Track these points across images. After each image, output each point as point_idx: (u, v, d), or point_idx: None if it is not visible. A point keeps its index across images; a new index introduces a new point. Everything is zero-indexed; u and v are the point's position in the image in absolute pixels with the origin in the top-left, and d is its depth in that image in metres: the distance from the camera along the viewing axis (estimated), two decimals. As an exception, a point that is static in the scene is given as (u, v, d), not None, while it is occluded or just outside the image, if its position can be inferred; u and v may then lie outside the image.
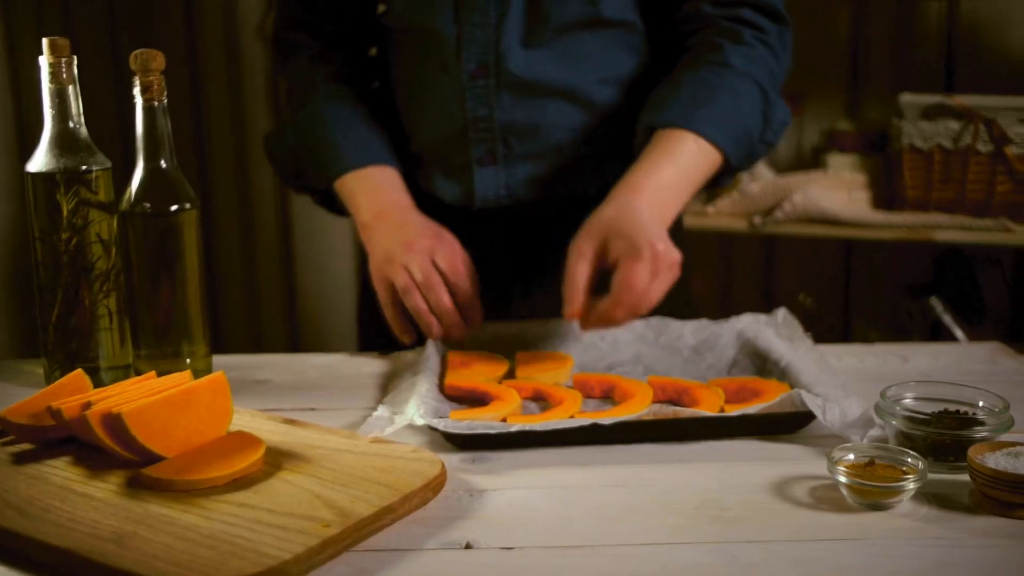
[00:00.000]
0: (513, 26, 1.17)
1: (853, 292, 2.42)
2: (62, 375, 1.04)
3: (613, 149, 1.24)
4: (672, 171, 1.10)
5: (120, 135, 2.30)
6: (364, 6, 1.31)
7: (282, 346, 2.54)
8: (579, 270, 1.04)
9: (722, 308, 2.43)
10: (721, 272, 2.50)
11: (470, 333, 1.12)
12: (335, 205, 1.27)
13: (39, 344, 1.09)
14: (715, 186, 1.21)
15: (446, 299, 1.10)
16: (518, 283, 1.29)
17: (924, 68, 2.30)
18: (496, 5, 1.17)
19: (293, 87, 1.33)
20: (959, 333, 2.01)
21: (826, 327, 1.18)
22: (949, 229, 2.04)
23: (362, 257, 1.25)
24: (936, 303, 2.02)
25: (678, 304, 1.29)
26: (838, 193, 2.07)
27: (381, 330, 1.18)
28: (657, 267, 1.01)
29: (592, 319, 1.04)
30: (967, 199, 2.02)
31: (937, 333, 2.06)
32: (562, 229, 1.29)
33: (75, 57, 1.04)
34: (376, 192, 1.21)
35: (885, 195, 2.11)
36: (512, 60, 1.18)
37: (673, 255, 1.03)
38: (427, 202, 1.26)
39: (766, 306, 1.19)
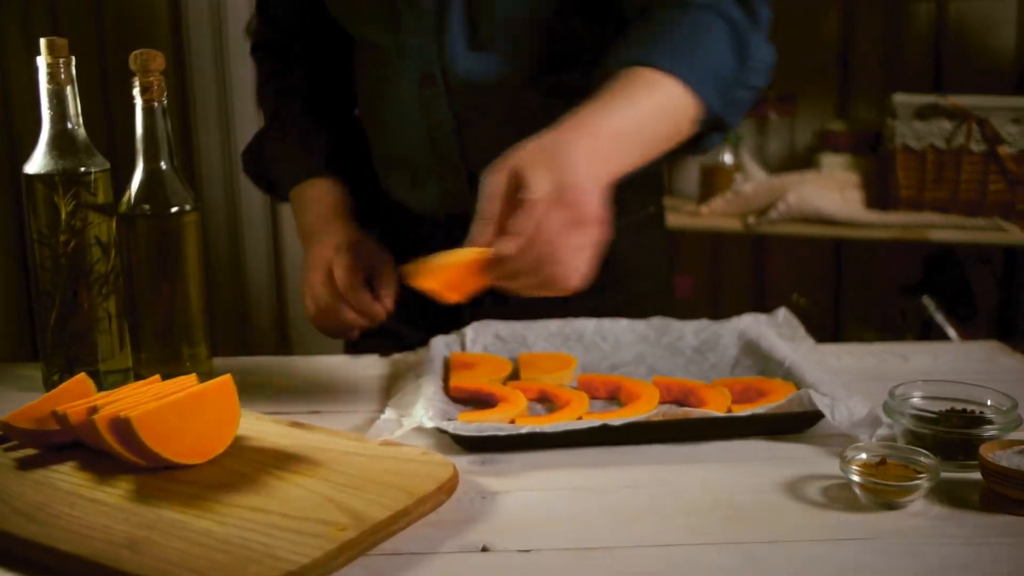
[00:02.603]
0: (456, 31, 1.12)
1: (844, 292, 2.44)
2: (61, 379, 1.03)
3: None
4: (626, 110, 0.93)
5: (108, 137, 2.28)
6: (327, 23, 1.27)
7: (271, 349, 2.53)
8: (485, 207, 0.88)
9: (713, 308, 2.44)
10: (712, 272, 2.51)
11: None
12: None
13: (37, 348, 1.08)
14: (703, 145, 1.05)
15: (345, 315, 1.15)
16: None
17: (914, 69, 2.31)
18: (434, 12, 1.12)
19: (261, 101, 1.38)
20: (951, 332, 2.02)
21: (818, 327, 1.18)
22: (942, 229, 2.05)
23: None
24: (928, 302, 2.03)
25: (662, 302, 1.29)
26: (832, 193, 2.08)
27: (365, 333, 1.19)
28: (576, 214, 0.84)
29: (493, 266, 0.86)
30: (960, 199, 2.04)
31: (929, 332, 2.07)
32: None
33: (73, 58, 1.03)
34: (305, 208, 1.26)
35: (878, 195, 2.12)
36: (459, 64, 1.14)
37: (598, 208, 0.86)
38: (398, 210, 1.26)
39: (757, 306, 1.19)
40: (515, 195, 0.86)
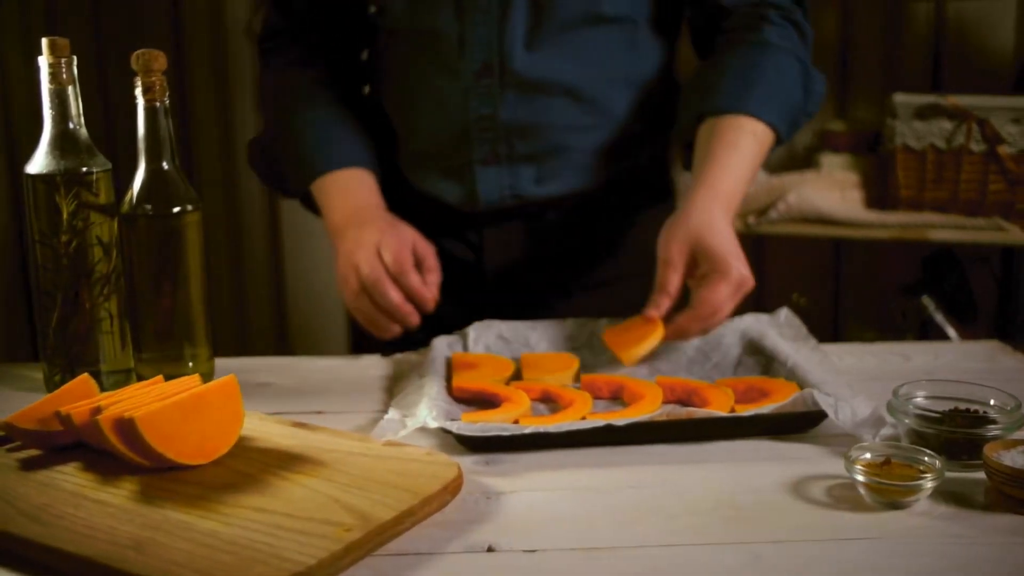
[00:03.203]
0: (517, 24, 1.17)
1: (843, 291, 2.44)
2: (62, 379, 1.03)
3: (616, 147, 1.24)
4: (738, 165, 1.12)
5: (105, 137, 2.28)
6: (347, 12, 1.29)
7: (271, 348, 2.52)
8: (671, 278, 1.06)
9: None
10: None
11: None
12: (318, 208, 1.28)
13: (38, 348, 1.07)
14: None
15: (391, 294, 1.10)
16: (528, 284, 1.29)
17: (912, 69, 2.31)
18: (499, 3, 1.16)
19: (275, 93, 1.33)
20: (951, 332, 2.02)
21: (818, 326, 1.18)
22: (942, 228, 2.05)
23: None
24: (928, 302, 2.03)
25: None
26: (832, 193, 2.08)
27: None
28: (739, 289, 1.05)
29: (668, 331, 1.06)
30: (960, 198, 2.04)
31: (928, 332, 2.07)
32: (566, 228, 1.29)
33: (75, 57, 1.03)
34: (344, 197, 1.21)
35: (879, 195, 2.12)
36: (516, 59, 1.17)
37: (751, 280, 1.06)
38: (427, 205, 1.26)
39: (756, 306, 1.20)
40: (690, 269, 1.06)
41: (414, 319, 1.12)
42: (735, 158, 1.11)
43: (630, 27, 1.20)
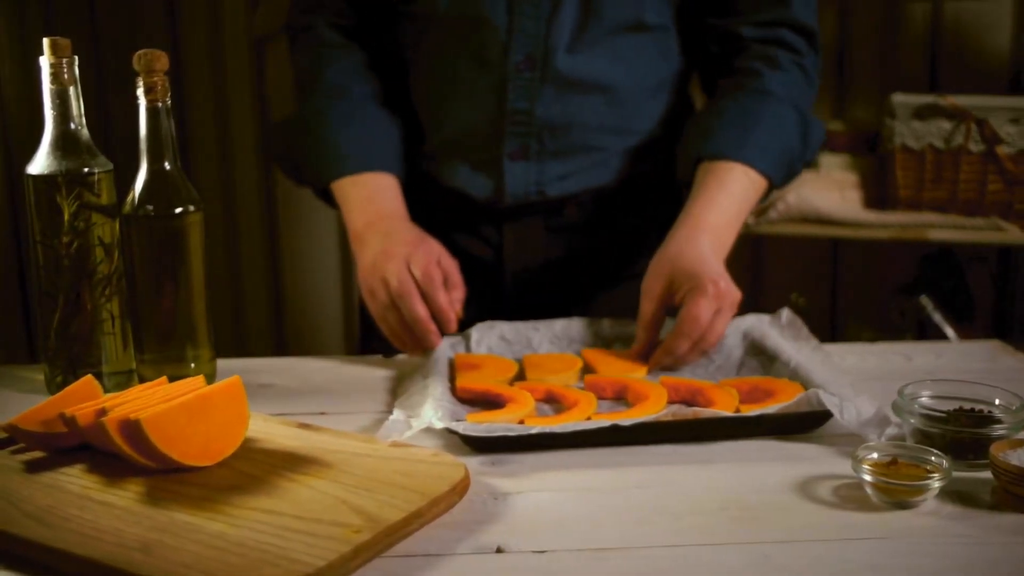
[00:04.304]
0: (565, 22, 1.18)
1: (840, 291, 2.44)
2: (64, 381, 1.02)
3: (639, 150, 1.26)
4: (727, 204, 1.15)
5: (101, 137, 2.27)
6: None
7: (268, 350, 2.52)
8: (647, 308, 1.09)
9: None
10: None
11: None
12: (333, 200, 1.26)
13: (39, 349, 1.07)
14: (760, 202, 1.27)
15: (418, 309, 1.09)
16: (546, 284, 1.29)
17: (909, 69, 2.32)
18: (550, 0, 1.17)
19: (301, 75, 1.31)
20: (949, 332, 2.02)
21: (816, 326, 1.18)
22: (941, 228, 2.05)
23: (348, 258, 1.25)
24: (926, 302, 2.03)
25: None
26: (831, 193, 2.08)
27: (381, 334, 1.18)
28: (720, 303, 1.06)
29: (657, 354, 1.07)
30: (959, 198, 2.04)
31: (926, 332, 2.07)
32: (585, 227, 1.29)
33: (76, 57, 1.02)
34: (369, 201, 1.20)
35: (877, 195, 2.12)
36: (559, 55, 1.19)
37: (735, 293, 1.08)
38: (448, 199, 1.25)
39: (754, 305, 1.21)
40: (669, 297, 1.09)
41: (436, 339, 1.10)
42: (723, 197, 1.15)
43: (664, 36, 1.23)
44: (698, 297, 1.05)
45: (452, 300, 1.12)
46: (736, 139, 1.17)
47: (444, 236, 1.20)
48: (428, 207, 1.26)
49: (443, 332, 1.11)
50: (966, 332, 2.05)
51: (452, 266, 1.14)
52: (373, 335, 1.29)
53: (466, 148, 1.24)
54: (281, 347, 2.54)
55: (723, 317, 1.07)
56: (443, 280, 1.12)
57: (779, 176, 1.20)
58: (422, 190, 1.27)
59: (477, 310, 1.18)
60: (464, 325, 1.15)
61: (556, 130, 1.22)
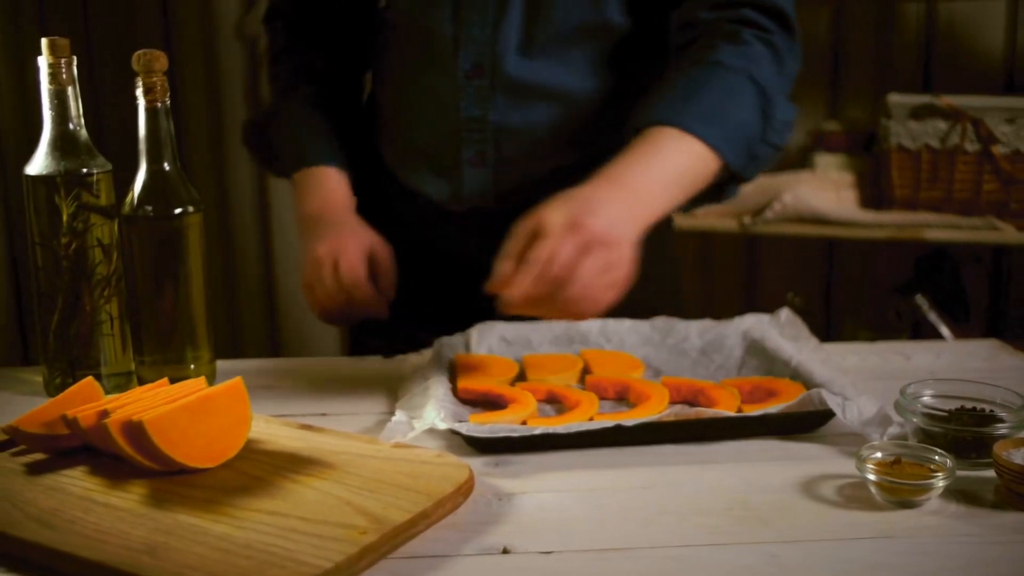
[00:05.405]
0: (512, 28, 1.16)
1: (836, 291, 2.45)
2: (63, 383, 1.02)
3: (603, 154, 1.24)
4: (657, 169, 1.02)
5: (95, 137, 2.26)
6: (356, 3, 1.29)
7: (263, 350, 2.51)
8: (513, 245, 0.95)
9: (706, 308, 2.44)
10: (704, 272, 2.51)
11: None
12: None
13: (38, 351, 1.06)
14: (722, 195, 1.13)
15: (349, 310, 1.14)
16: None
17: (904, 69, 2.33)
18: (496, 6, 1.16)
19: (271, 76, 1.37)
20: (945, 331, 2.03)
21: (812, 326, 1.18)
22: (937, 228, 2.06)
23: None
24: (922, 301, 2.04)
25: (672, 307, 1.30)
26: (827, 193, 2.09)
27: (373, 331, 1.19)
28: (586, 242, 0.91)
29: (514, 295, 0.92)
30: (955, 198, 2.05)
31: (921, 331, 2.08)
32: None
33: (75, 57, 1.02)
34: (307, 197, 1.24)
35: (873, 195, 2.13)
36: (508, 62, 1.17)
37: (612, 233, 0.92)
38: (412, 200, 1.26)
39: (750, 305, 1.20)
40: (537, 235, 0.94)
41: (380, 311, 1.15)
42: (653, 162, 1.02)
43: (622, 36, 1.19)
44: (555, 232, 0.91)
45: (382, 288, 1.16)
46: (676, 106, 1.06)
47: (406, 232, 1.21)
48: (392, 206, 1.28)
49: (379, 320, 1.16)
50: (961, 332, 2.05)
51: (384, 252, 1.17)
52: (359, 337, 1.30)
53: (427, 153, 1.24)
54: (276, 349, 2.53)
55: (594, 259, 0.90)
56: (375, 268, 1.16)
57: (732, 152, 1.06)
58: (385, 189, 1.30)
59: (455, 310, 1.18)
60: (440, 322, 1.16)
61: (512, 137, 1.20)
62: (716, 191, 1.12)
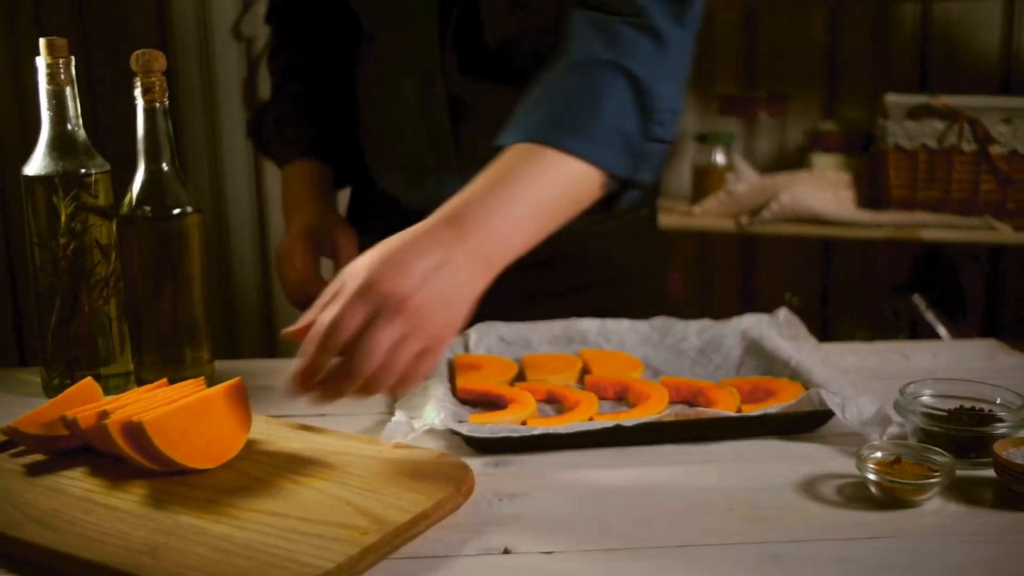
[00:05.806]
0: (457, 34, 1.15)
1: (833, 291, 2.45)
2: (61, 383, 1.02)
3: None
4: (511, 201, 0.88)
5: (93, 137, 2.25)
6: (334, 5, 1.29)
7: (260, 350, 2.51)
8: (321, 300, 0.83)
9: (702, 306, 2.45)
10: (701, 272, 2.51)
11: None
12: None
13: (30, 352, 1.06)
14: (619, 202, 1.00)
15: (299, 295, 1.16)
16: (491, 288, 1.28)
17: (900, 69, 2.33)
18: (438, 23, 1.15)
19: (271, 70, 1.41)
20: (942, 331, 2.03)
21: (809, 326, 1.18)
22: (934, 228, 2.07)
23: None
24: (919, 301, 2.04)
25: (657, 304, 1.30)
26: (824, 193, 2.09)
27: None
28: (378, 308, 0.77)
29: (295, 367, 0.80)
30: (952, 198, 2.05)
31: (918, 331, 2.08)
32: None
33: (73, 58, 1.02)
34: (284, 187, 1.29)
35: (870, 195, 2.13)
36: (452, 76, 1.17)
37: (415, 297, 0.78)
38: (391, 203, 1.26)
39: (747, 305, 1.20)
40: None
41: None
42: (509, 188, 0.88)
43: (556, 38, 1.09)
44: (349, 290, 0.78)
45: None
46: (543, 121, 0.93)
47: (390, 233, 1.22)
48: (374, 208, 1.30)
49: None
50: (958, 331, 2.06)
51: (344, 244, 1.20)
52: None
53: (398, 160, 1.25)
54: (272, 349, 2.53)
55: (390, 328, 0.77)
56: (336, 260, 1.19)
57: (610, 158, 0.94)
58: (368, 191, 1.32)
59: None
60: None
61: (472, 143, 1.18)
62: (613, 198, 0.99)
